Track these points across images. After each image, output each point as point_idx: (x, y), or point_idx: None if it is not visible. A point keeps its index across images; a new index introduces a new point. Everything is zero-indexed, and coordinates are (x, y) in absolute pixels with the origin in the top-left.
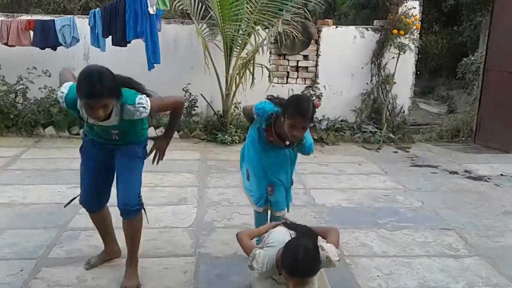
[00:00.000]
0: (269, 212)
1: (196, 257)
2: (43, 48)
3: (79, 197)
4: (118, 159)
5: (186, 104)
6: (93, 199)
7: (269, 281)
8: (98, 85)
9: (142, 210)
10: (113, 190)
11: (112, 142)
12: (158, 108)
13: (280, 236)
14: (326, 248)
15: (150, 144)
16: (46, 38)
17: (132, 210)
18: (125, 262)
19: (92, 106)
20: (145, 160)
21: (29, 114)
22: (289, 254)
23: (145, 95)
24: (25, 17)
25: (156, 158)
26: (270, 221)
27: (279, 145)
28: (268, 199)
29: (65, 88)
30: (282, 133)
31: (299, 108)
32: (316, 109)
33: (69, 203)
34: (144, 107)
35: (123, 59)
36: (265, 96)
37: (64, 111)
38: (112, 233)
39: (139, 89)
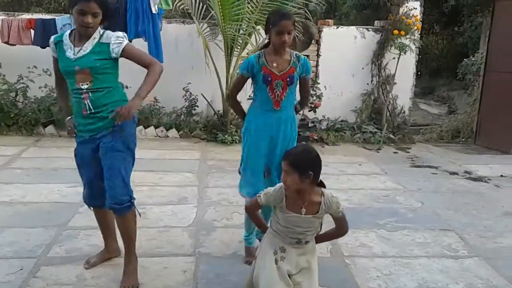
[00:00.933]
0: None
1: (196, 257)
2: (43, 47)
3: (82, 197)
4: (102, 157)
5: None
6: (93, 197)
7: (273, 269)
8: None
9: (134, 206)
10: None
11: (89, 119)
12: (135, 53)
13: None
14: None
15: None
16: (47, 37)
17: (121, 207)
18: (123, 260)
19: (84, 10)
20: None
21: (30, 113)
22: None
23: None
24: (26, 16)
25: (119, 116)
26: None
27: (279, 88)
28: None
29: (55, 35)
30: (274, 59)
31: (280, 14)
32: (306, 20)
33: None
34: (122, 37)
35: (124, 59)
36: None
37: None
38: (113, 232)
39: None
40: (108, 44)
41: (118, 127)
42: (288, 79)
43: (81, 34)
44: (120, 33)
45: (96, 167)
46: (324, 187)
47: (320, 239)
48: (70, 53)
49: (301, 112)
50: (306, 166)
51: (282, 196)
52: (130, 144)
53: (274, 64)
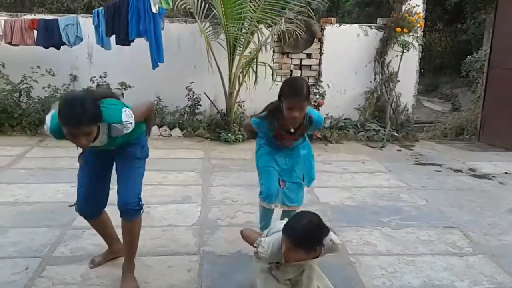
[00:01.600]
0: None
1: (200, 256)
2: (46, 48)
3: (75, 206)
4: (118, 160)
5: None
6: (89, 206)
7: (270, 278)
8: (79, 112)
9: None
10: (112, 191)
11: (111, 150)
12: (141, 117)
13: (283, 223)
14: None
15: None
16: (50, 37)
17: (132, 210)
18: (122, 266)
19: (74, 134)
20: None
21: (33, 113)
22: (292, 222)
23: (126, 109)
24: (29, 16)
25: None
26: (281, 218)
27: (288, 139)
28: (279, 196)
29: (48, 119)
30: (286, 123)
31: (293, 88)
32: (310, 88)
33: (72, 205)
34: (130, 123)
35: (127, 59)
36: (268, 95)
37: None
38: (114, 234)
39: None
40: (119, 136)
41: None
42: (298, 137)
43: None
44: (124, 118)
45: (100, 175)
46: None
47: None
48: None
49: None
50: (313, 244)
51: (279, 257)
52: (147, 150)
53: (291, 130)
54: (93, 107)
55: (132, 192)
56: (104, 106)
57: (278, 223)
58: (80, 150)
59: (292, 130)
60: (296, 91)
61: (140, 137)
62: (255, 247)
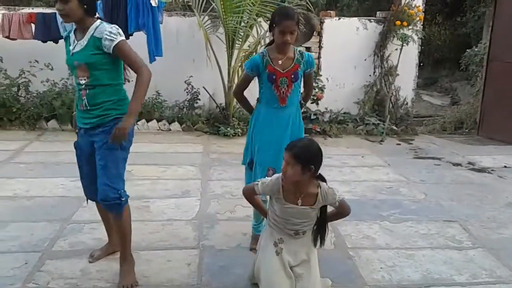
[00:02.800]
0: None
1: (200, 250)
2: (45, 41)
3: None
4: (96, 152)
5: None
6: (93, 191)
7: (274, 260)
8: None
9: (127, 204)
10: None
11: (85, 114)
12: (126, 53)
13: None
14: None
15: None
16: (48, 31)
17: (113, 204)
18: (119, 259)
19: None
20: (129, 150)
21: (32, 108)
22: (295, 140)
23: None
24: (27, 10)
25: (115, 139)
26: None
27: (284, 86)
28: None
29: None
30: (278, 55)
31: (284, 12)
32: (299, 16)
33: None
34: (116, 33)
35: None
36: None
37: (67, 104)
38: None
39: None
40: (100, 38)
41: (114, 126)
42: (292, 76)
43: (77, 27)
44: (115, 29)
45: (93, 162)
46: (324, 180)
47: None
48: (71, 47)
49: (304, 106)
50: (309, 160)
51: (279, 187)
52: (130, 142)
53: (279, 62)
54: None
55: (110, 188)
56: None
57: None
58: (75, 138)
59: (280, 62)
60: (287, 14)
61: (110, 115)
62: (256, 184)
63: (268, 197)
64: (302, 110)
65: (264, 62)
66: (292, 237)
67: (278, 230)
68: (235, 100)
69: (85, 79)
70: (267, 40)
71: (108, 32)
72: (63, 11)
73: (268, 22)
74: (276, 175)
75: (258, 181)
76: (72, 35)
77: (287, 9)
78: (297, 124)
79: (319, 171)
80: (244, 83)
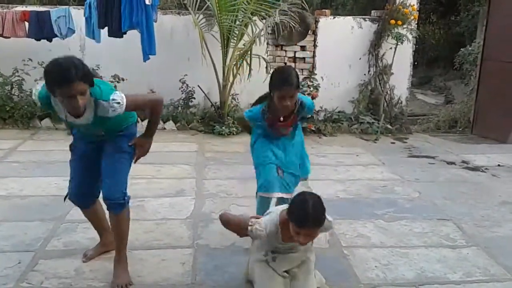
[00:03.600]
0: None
1: (194, 249)
2: (38, 40)
3: (68, 194)
4: (104, 153)
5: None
6: (82, 195)
7: (268, 269)
8: (71, 69)
9: (129, 205)
10: None
11: (101, 137)
12: (134, 106)
13: (278, 207)
14: None
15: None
16: (42, 29)
17: (116, 204)
18: (114, 259)
19: (67, 94)
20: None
21: (25, 106)
22: (297, 206)
23: (120, 92)
24: (20, 8)
25: (136, 157)
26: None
27: (283, 127)
28: (279, 184)
29: (37, 87)
30: (277, 113)
31: (283, 78)
32: (299, 77)
33: (65, 198)
34: (118, 103)
35: (119, 51)
36: (262, 87)
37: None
38: (106, 226)
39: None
40: (107, 117)
41: (125, 131)
42: (291, 126)
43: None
44: (113, 100)
45: (91, 165)
46: None
47: None
48: (64, 117)
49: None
50: (324, 218)
51: (277, 235)
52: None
53: (280, 118)
54: (83, 65)
55: (117, 188)
56: (96, 84)
57: (274, 208)
58: (72, 139)
59: (282, 118)
60: (286, 80)
61: (130, 128)
62: (250, 225)
63: None
64: None
65: (264, 118)
66: (288, 252)
67: (272, 246)
68: (230, 99)
69: (103, 132)
70: (262, 39)
71: (112, 110)
72: (82, 103)
73: (263, 20)
74: (273, 222)
75: (252, 224)
76: (54, 102)
77: (286, 73)
78: (298, 139)
79: None
80: (245, 123)
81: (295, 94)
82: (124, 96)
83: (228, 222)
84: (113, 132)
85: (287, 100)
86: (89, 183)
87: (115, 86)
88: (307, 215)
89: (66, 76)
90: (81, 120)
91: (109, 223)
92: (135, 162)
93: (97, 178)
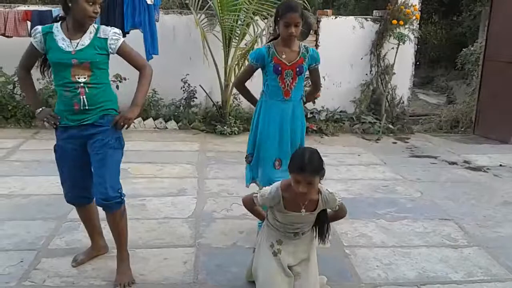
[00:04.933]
0: None
1: (196, 248)
2: None
3: (64, 195)
4: (92, 152)
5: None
6: (77, 194)
7: (270, 263)
8: None
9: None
10: None
11: (81, 115)
12: (129, 50)
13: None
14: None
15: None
16: None
17: (110, 204)
18: (116, 257)
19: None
20: (123, 150)
21: (28, 106)
22: (296, 156)
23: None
24: (22, 7)
25: (118, 125)
26: None
27: (289, 71)
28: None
29: (38, 28)
30: (283, 48)
31: (287, 5)
32: (304, 10)
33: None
34: (119, 33)
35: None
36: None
37: None
38: (98, 228)
39: None
40: (106, 39)
41: (111, 125)
42: (297, 69)
43: (79, 26)
44: (117, 29)
45: (80, 163)
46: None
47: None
48: (65, 45)
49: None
50: (322, 166)
51: (279, 198)
52: (122, 141)
53: (284, 56)
54: None
55: (110, 187)
56: None
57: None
58: (55, 140)
59: (284, 56)
60: (291, 7)
61: (111, 119)
62: (255, 195)
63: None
64: None
65: (270, 53)
66: (291, 238)
67: (277, 232)
68: (231, 98)
69: (85, 78)
70: (264, 39)
71: (113, 32)
72: (98, 13)
73: (265, 20)
74: (275, 186)
75: (257, 193)
76: (59, 33)
77: (291, 2)
78: (300, 118)
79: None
80: (247, 74)
81: (300, 23)
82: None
83: (244, 202)
84: (96, 98)
85: (292, 27)
86: (81, 183)
87: (117, 86)
88: (304, 161)
89: None
90: (82, 41)
91: (100, 227)
92: (116, 128)
93: (87, 180)
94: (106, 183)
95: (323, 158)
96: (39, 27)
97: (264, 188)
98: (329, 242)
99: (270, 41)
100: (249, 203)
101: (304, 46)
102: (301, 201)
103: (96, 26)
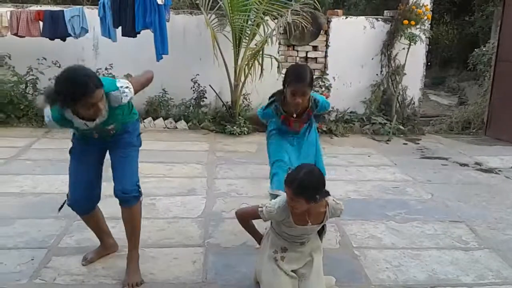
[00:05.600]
0: None
1: (205, 248)
2: (52, 39)
3: (67, 200)
4: (113, 150)
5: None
6: (84, 200)
7: (273, 266)
8: (86, 81)
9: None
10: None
11: (109, 137)
12: (140, 85)
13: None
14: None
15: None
16: (56, 28)
17: (130, 197)
18: (126, 257)
19: (89, 104)
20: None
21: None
22: (293, 172)
23: (119, 78)
24: (35, 7)
25: None
26: None
27: (297, 122)
28: None
29: (47, 113)
30: (290, 109)
31: (296, 74)
32: (314, 75)
33: (61, 208)
34: (127, 88)
35: (132, 50)
36: (274, 87)
37: None
38: (106, 229)
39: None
40: (119, 105)
41: (130, 127)
42: (306, 120)
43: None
44: (122, 88)
45: (97, 166)
46: (328, 194)
47: None
48: (79, 123)
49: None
50: (312, 192)
51: (287, 213)
52: (140, 141)
53: (293, 115)
54: (91, 72)
55: (130, 180)
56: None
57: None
58: (71, 144)
59: (295, 115)
60: (299, 77)
61: (135, 124)
62: (260, 207)
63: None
64: None
65: (278, 114)
66: (297, 247)
67: (284, 241)
68: (241, 98)
69: (113, 131)
70: (274, 39)
71: (124, 96)
72: (104, 109)
73: (275, 20)
74: (283, 202)
75: (262, 206)
76: (70, 116)
77: (300, 70)
78: (314, 144)
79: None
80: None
81: (307, 92)
82: (127, 81)
83: (243, 215)
84: (121, 128)
85: (298, 97)
86: (90, 188)
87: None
88: (298, 182)
89: (85, 89)
90: (99, 119)
91: (108, 228)
92: None
93: (98, 183)
94: (127, 177)
95: (333, 158)
96: (48, 116)
97: (270, 202)
98: (338, 243)
99: (276, 96)
100: (248, 216)
101: (314, 99)
102: (307, 216)
103: (104, 97)
